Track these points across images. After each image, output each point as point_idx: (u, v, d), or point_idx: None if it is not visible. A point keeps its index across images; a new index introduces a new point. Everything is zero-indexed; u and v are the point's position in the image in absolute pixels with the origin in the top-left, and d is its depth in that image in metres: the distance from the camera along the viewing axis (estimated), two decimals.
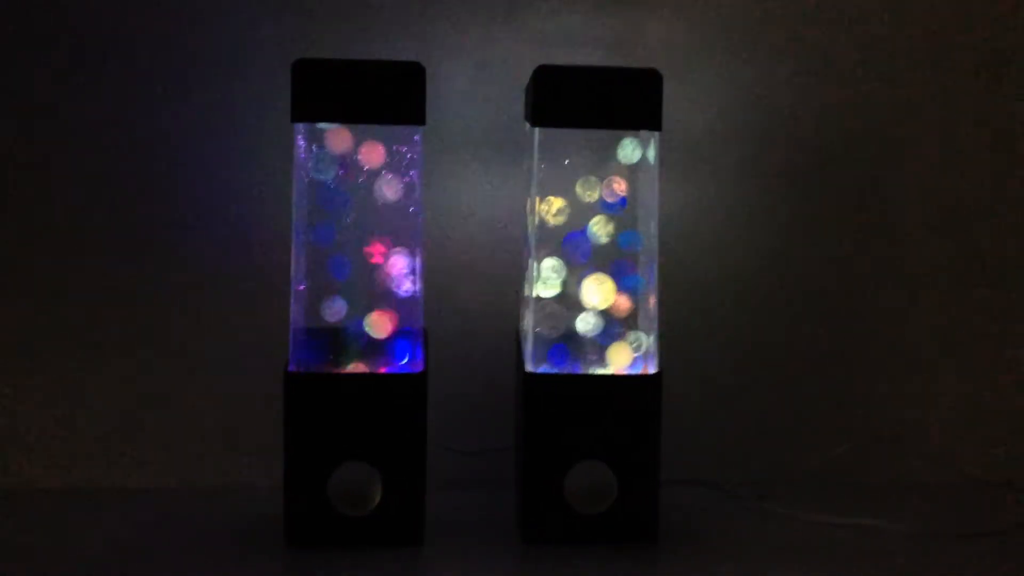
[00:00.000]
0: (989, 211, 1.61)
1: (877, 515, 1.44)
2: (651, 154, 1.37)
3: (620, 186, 1.37)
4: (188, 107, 1.52)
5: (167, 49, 1.51)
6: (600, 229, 1.38)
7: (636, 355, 1.38)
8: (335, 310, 1.36)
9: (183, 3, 1.51)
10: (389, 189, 1.34)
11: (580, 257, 1.39)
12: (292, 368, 1.34)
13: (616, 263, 1.39)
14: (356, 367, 1.35)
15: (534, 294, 1.38)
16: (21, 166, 1.51)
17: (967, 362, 1.62)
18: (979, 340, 1.62)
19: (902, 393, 1.62)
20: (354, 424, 1.33)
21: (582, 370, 1.37)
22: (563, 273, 1.39)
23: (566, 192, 1.38)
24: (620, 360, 1.38)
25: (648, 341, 1.38)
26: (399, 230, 1.35)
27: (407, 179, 1.35)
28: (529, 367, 1.37)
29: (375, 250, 1.35)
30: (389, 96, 1.32)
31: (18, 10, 1.50)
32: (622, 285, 1.39)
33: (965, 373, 1.62)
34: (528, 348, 1.38)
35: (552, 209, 1.37)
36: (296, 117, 1.32)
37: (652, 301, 1.38)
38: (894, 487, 1.59)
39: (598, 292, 1.38)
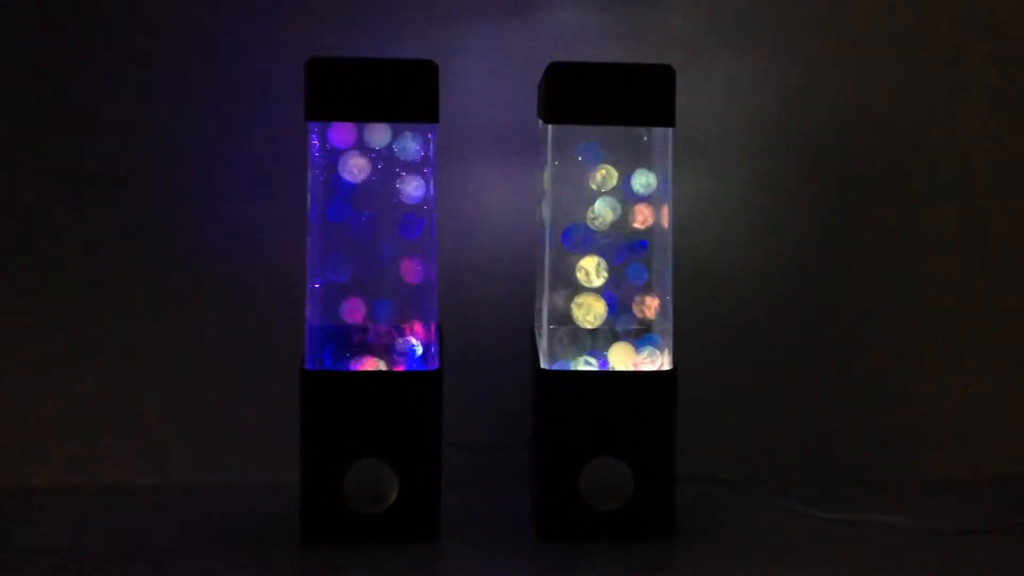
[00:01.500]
0: (1000, 207, 1.61)
1: (895, 512, 1.44)
2: (667, 150, 1.37)
3: (651, 308, 1.37)
4: (201, 106, 1.52)
5: (179, 48, 1.52)
6: (604, 214, 1.38)
7: (645, 363, 1.37)
8: (353, 309, 1.36)
9: (194, 1, 1.52)
10: (410, 186, 1.35)
11: (584, 246, 1.39)
12: (308, 366, 1.34)
13: (626, 255, 1.39)
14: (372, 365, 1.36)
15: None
16: (30, 163, 1.52)
17: (981, 359, 1.61)
18: (992, 336, 1.61)
19: (917, 390, 1.61)
20: (370, 422, 1.33)
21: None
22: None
23: (580, 189, 1.39)
24: (621, 361, 1.37)
25: (662, 356, 1.37)
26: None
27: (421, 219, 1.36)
28: (544, 364, 1.37)
29: (352, 306, 1.36)
30: (402, 94, 1.32)
31: (26, 9, 1.50)
32: (631, 275, 1.39)
33: (979, 370, 1.61)
34: (543, 345, 1.38)
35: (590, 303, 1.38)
36: (310, 116, 1.32)
37: (666, 297, 1.38)
38: (912, 484, 1.58)
39: (590, 313, 1.38)
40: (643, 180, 1.37)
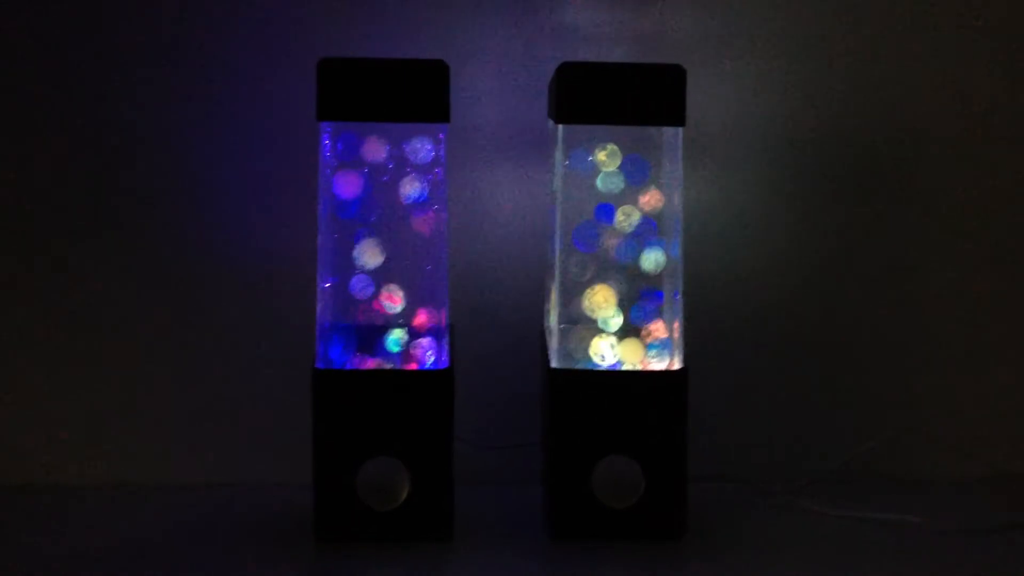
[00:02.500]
0: (1010, 208, 1.61)
1: (906, 511, 1.44)
2: (677, 149, 1.37)
3: (659, 330, 1.38)
4: (211, 106, 1.53)
5: (190, 49, 1.52)
6: (624, 219, 1.38)
7: (652, 361, 1.38)
8: (362, 286, 1.36)
9: (206, 2, 1.52)
10: (410, 186, 1.35)
11: (594, 244, 1.39)
12: (319, 365, 1.35)
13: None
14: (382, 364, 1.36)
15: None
16: (36, 163, 1.52)
17: (986, 358, 1.61)
18: (996, 336, 1.61)
19: (930, 388, 1.61)
20: (381, 420, 1.34)
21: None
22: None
23: (591, 188, 1.39)
24: (632, 357, 1.38)
25: (669, 356, 1.38)
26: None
27: (431, 177, 1.36)
28: (555, 363, 1.38)
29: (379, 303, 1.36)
30: (414, 94, 1.32)
31: (44, 11, 1.51)
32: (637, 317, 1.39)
33: (983, 369, 1.61)
34: (553, 344, 1.39)
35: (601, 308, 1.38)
36: (321, 116, 1.33)
37: (676, 296, 1.39)
38: (923, 483, 1.58)
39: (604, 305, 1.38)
40: (653, 258, 1.37)
